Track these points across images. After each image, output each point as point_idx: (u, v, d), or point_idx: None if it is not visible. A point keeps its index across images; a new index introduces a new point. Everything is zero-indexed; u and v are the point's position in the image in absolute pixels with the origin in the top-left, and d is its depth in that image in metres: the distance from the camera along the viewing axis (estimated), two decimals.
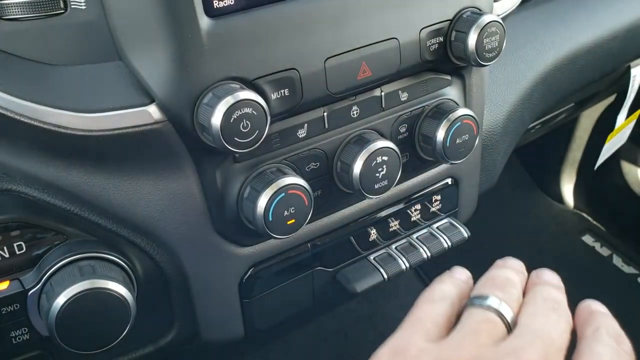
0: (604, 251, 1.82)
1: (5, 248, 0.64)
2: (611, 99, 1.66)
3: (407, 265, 0.83)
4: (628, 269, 1.75)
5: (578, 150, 1.95)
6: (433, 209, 0.88)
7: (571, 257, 1.82)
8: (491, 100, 0.95)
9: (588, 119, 1.85)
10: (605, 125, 1.73)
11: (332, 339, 1.40)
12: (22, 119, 0.59)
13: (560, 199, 2.01)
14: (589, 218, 1.94)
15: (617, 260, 1.79)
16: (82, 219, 0.67)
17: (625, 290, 1.70)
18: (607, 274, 1.75)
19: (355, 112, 0.73)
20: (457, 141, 0.78)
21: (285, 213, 0.67)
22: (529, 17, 1.04)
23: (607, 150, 1.50)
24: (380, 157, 0.72)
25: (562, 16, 1.06)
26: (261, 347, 1.35)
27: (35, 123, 0.59)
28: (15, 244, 0.64)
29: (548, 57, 1.01)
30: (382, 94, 0.75)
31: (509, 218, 1.95)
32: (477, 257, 1.74)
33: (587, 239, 1.88)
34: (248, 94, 0.60)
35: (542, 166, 2.06)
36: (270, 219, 0.66)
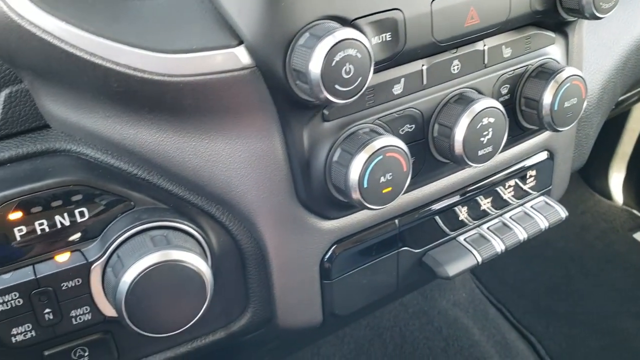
0: None
1: (65, 215, 0.55)
2: None
3: (503, 247, 0.74)
4: None
5: (629, 144, 1.86)
6: (526, 187, 0.79)
7: (621, 254, 1.73)
8: (586, 69, 0.85)
9: None
10: None
11: (387, 334, 1.31)
12: (92, 58, 0.50)
13: (608, 194, 1.91)
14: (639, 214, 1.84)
15: None
16: (150, 184, 0.59)
17: None
18: None
19: (456, 67, 0.65)
20: (565, 105, 0.69)
21: (382, 179, 0.58)
22: None
23: None
24: (487, 119, 0.63)
25: None
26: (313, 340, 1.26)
27: (107, 64, 0.51)
28: (76, 211, 0.56)
29: None
30: (485, 47, 0.66)
31: None
32: (523, 253, 1.65)
33: (638, 236, 1.77)
34: (352, 33, 0.51)
35: (589, 160, 1.96)
36: (366, 186, 0.58)
